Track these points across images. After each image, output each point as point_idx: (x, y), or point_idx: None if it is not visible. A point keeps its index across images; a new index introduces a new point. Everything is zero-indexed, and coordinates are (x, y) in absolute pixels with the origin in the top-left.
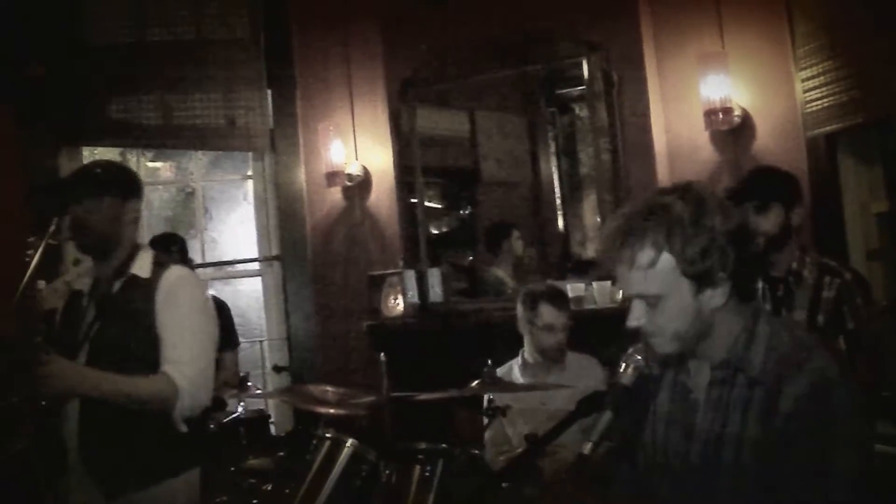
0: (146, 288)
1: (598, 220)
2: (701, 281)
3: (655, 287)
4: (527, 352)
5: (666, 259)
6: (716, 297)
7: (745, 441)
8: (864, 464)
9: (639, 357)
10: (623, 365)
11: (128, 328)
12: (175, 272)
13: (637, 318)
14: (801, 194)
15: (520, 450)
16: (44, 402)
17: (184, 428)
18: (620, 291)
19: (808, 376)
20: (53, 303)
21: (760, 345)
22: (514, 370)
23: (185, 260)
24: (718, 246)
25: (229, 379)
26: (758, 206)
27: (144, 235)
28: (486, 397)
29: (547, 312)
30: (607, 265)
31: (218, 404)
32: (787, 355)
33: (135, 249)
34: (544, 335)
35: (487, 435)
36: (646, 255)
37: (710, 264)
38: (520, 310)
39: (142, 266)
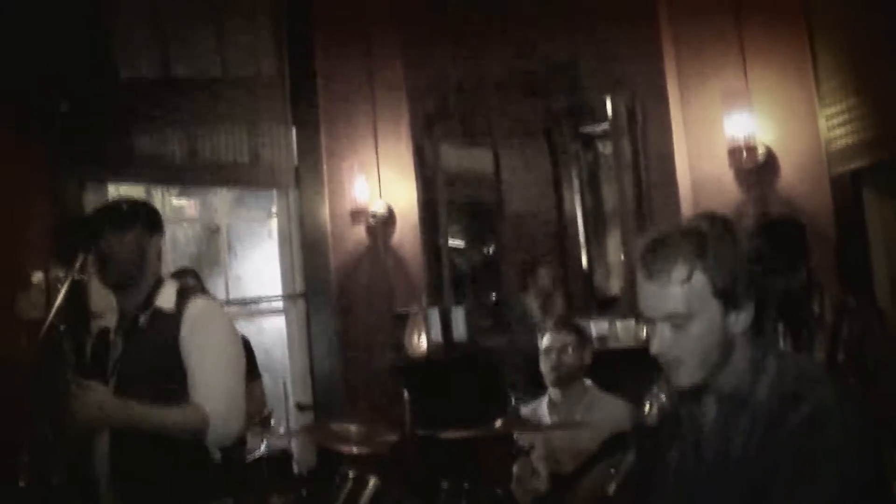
0: (171, 320)
1: (622, 257)
2: (729, 301)
3: (687, 305)
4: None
5: (698, 276)
6: (740, 321)
7: (746, 472)
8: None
9: (662, 396)
10: (647, 404)
11: (155, 361)
12: (199, 303)
13: (662, 343)
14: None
15: (545, 489)
16: (76, 433)
17: (218, 456)
18: (644, 329)
19: (806, 406)
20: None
21: (767, 378)
22: (542, 406)
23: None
24: (746, 266)
25: (256, 410)
26: (788, 268)
27: (167, 272)
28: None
29: (546, 337)
30: (637, 277)
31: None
32: (791, 387)
33: (158, 282)
34: (542, 358)
35: (514, 472)
36: (680, 270)
37: (739, 283)
38: None
39: (166, 298)
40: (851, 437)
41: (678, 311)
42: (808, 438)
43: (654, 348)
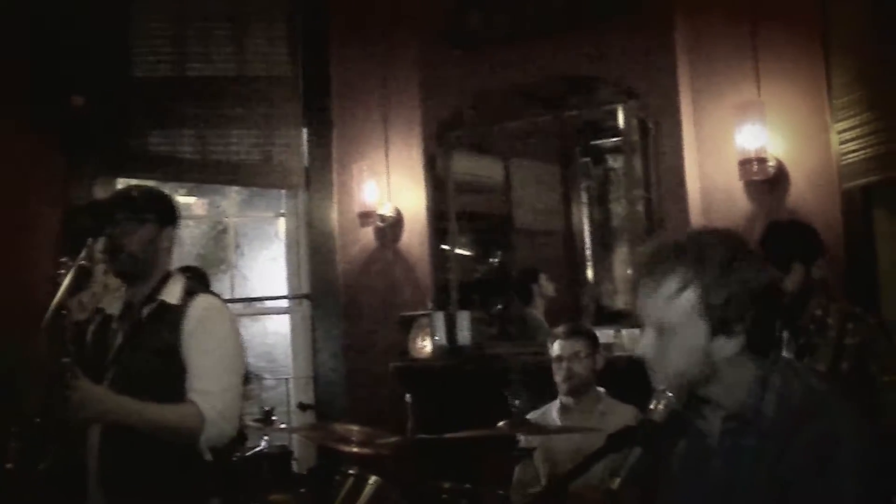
0: (175, 315)
1: (629, 270)
2: (716, 327)
3: (671, 315)
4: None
5: (689, 295)
6: (727, 347)
7: (753, 492)
8: None
9: (669, 393)
10: (654, 401)
11: (154, 355)
12: (204, 301)
13: (645, 345)
14: (820, 247)
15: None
16: (70, 424)
17: (209, 457)
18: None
19: (815, 429)
20: (78, 315)
21: (772, 396)
22: (551, 412)
23: None
24: (743, 299)
25: None
26: (778, 267)
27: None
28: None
29: (556, 345)
30: (634, 289)
31: (239, 437)
32: (798, 407)
33: (166, 276)
34: (554, 367)
35: (516, 476)
36: (670, 286)
37: (730, 314)
38: None
39: (172, 293)
40: (866, 466)
41: (663, 319)
42: (819, 459)
43: (639, 349)
